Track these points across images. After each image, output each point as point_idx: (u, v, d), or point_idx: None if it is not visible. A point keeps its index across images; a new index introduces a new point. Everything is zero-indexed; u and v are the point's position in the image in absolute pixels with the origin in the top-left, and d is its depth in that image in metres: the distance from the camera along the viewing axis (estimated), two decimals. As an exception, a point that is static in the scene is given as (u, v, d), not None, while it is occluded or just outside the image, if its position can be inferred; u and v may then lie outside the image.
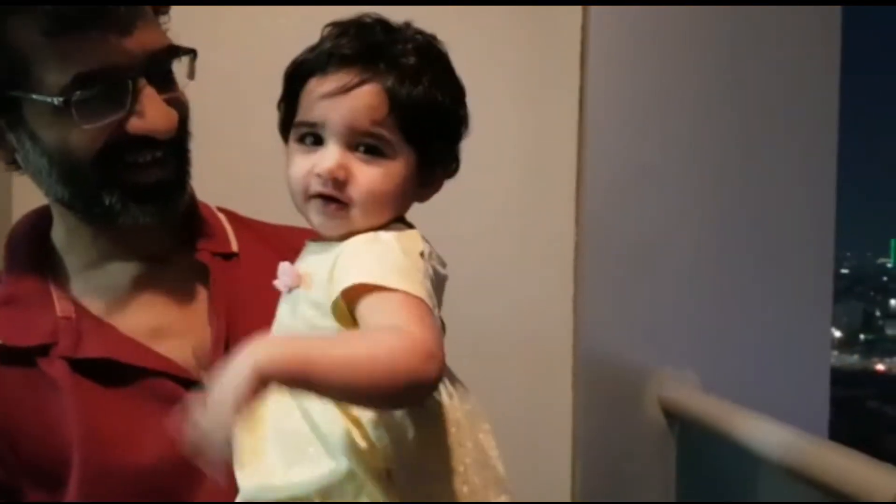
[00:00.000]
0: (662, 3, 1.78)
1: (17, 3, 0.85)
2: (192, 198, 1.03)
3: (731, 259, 1.87)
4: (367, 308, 0.77)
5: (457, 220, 1.63)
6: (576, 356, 1.77)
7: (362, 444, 0.78)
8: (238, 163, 1.59)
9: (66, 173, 0.91)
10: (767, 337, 1.87)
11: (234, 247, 1.04)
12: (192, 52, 0.94)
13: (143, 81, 0.89)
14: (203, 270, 0.99)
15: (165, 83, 0.93)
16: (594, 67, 1.75)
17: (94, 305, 0.96)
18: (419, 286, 0.78)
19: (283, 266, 0.86)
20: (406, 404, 0.79)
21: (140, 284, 0.98)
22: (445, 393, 0.85)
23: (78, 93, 0.86)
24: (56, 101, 0.86)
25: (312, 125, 0.84)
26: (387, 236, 0.83)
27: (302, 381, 0.71)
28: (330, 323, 0.79)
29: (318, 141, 0.84)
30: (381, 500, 0.78)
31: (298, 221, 0.89)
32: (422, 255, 0.82)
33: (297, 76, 0.86)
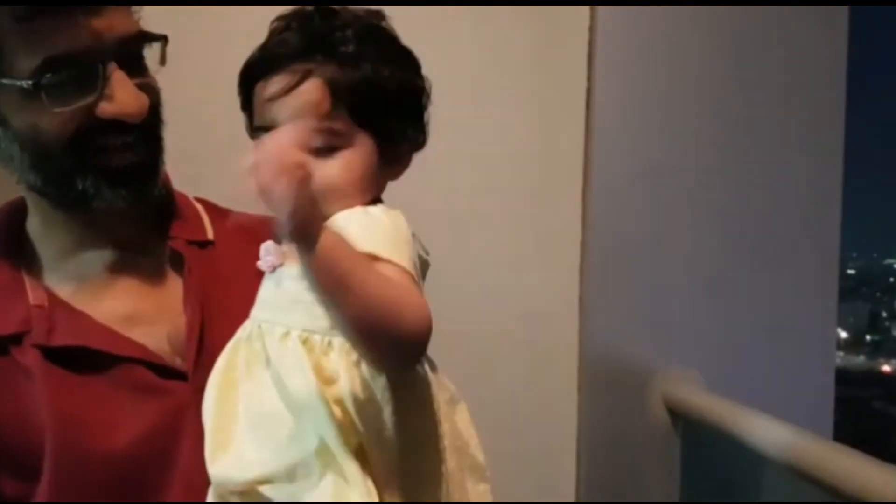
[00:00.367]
0: (669, 3, 1.78)
1: None
2: (168, 186, 1.04)
3: (737, 258, 1.87)
4: None
5: (462, 219, 1.63)
6: (581, 355, 1.77)
7: (340, 416, 0.78)
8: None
9: (37, 159, 0.91)
10: (772, 336, 1.87)
11: (210, 235, 1.04)
12: (163, 39, 0.94)
13: (113, 66, 0.89)
14: (179, 258, 1.00)
15: (136, 69, 0.93)
16: (601, 67, 1.76)
17: (68, 293, 0.96)
18: (407, 260, 0.79)
19: (268, 246, 0.86)
20: (392, 354, 0.78)
21: (114, 272, 0.98)
22: (426, 375, 0.86)
23: (48, 76, 0.86)
24: (26, 84, 0.86)
25: (267, 129, 0.84)
26: (375, 210, 0.84)
27: (324, 256, 0.70)
28: (313, 295, 0.80)
29: None
30: (351, 478, 0.78)
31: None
32: (413, 235, 0.84)
33: (245, 83, 0.87)
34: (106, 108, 0.90)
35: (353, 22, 0.87)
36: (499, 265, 1.75)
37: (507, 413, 1.70)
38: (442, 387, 0.89)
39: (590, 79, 1.75)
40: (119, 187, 0.92)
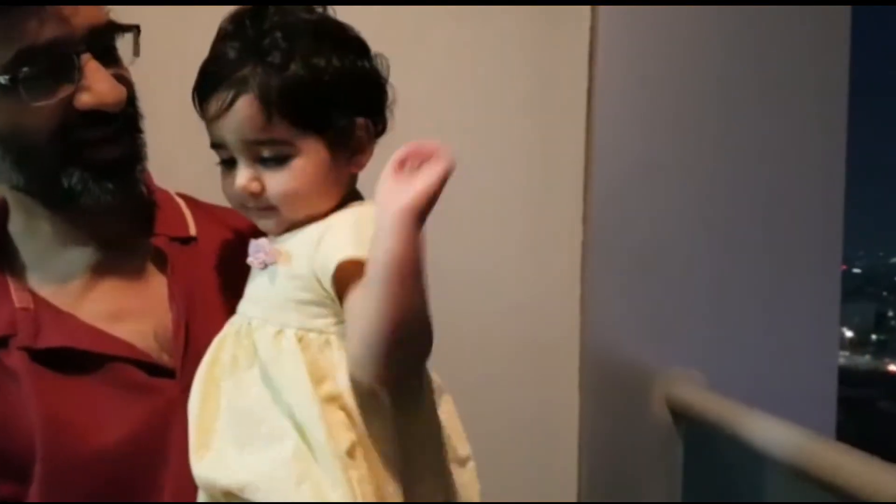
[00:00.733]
0: (671, 3, 1.78)
1: None
2: (150, 184, 1.04)
3: (739, 258, 1.87)
4: (357, 284, 0.78)
5: (464, 219, 1.63)
6: (582, 355, 1.77)
7: (333, 414, 0.78)
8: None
9: (20, 157, 0.90)
10: (775, 336, 1.87)
11: (193, 231, 1.04)
12: (135, 29, 0.94)
13: (87, 56, 0.89)
14: (162, 255, 1.00)
15: (109, 59, 0.92)
16: (602, 67, 1.75)
17: (53, 294, 0.96)
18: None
19: (259, 243, 0.86)
20: (405, 363, 0.80)
21: (99, 270, 0.98)
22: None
23: (24, 69, 0.85)
24: (3, 79, 0.86)
25: (219, 147, 0.86)
26: (369, 214, 0.83)
27: (417, 246, 0.74)
28: (308, 295, 0.81)
29: (234, 159, 0.85)
30: (334, 479, 0.78)
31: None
32: None
33: (194, 103, 0.88)
34: (84, 99, 0.89)
35: (283, 21, 0.85)
36: (499, 265, 1.74)
37: (508, 413, 1.70)
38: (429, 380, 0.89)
39: (590, 79, 1.75)
40: (105, 181, 0.92)
